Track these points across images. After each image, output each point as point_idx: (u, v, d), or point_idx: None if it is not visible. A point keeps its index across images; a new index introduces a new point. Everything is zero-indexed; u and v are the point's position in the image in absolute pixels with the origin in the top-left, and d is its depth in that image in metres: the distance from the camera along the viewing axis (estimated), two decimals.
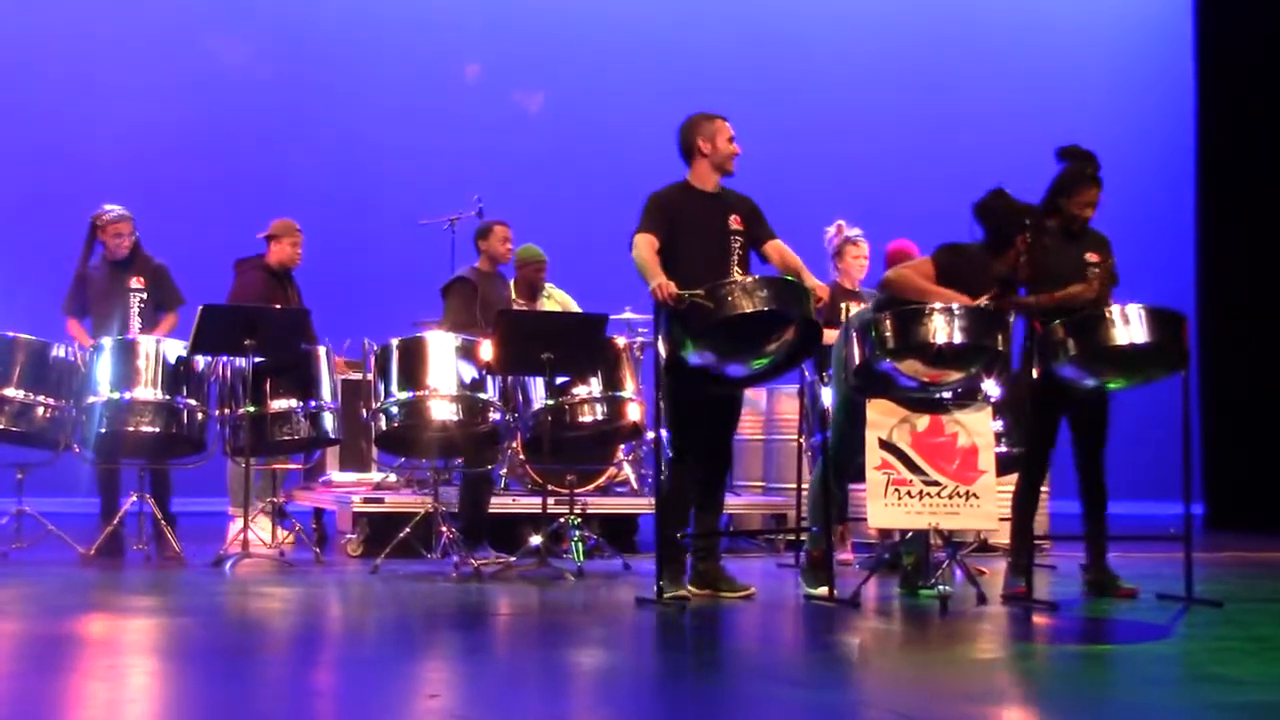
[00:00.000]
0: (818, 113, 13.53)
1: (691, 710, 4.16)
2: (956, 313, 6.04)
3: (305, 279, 8.55)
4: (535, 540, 7.25)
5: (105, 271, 8.14)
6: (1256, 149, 11.96)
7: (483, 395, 7.35)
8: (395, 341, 7.40)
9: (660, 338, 6.05)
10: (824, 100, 13.60)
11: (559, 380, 7.41)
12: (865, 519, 6.49)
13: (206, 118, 12.50)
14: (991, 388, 6.39)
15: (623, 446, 8.44)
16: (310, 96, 12.88)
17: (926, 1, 14.18)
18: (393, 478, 8.58)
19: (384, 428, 7.35)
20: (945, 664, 4.96)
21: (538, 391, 7.45)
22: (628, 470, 8.64)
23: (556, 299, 8.75)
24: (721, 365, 6.18)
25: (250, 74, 12.85)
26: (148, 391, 7.47)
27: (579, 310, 8.60)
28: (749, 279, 6.08)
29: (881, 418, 6.19)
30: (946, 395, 6.30)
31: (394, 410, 7.31)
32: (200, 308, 7.45)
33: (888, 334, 6.10)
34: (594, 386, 7.60)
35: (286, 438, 7.69)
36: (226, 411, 7.60)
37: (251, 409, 7.43)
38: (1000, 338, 6.12)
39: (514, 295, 8.38)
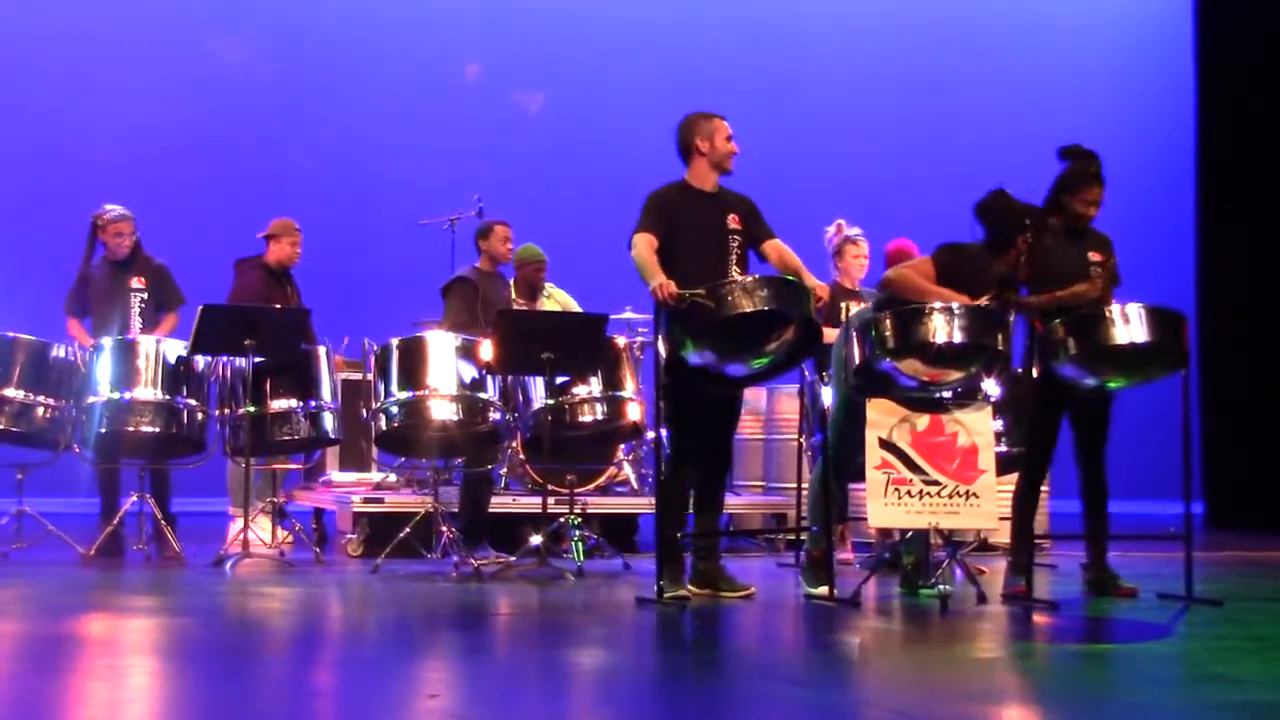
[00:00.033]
0: (818, 113, 13.54)
1: (691, 710, 4.15)
2: (956, 312, 6.03)
3: (305, 279, 8.55)
4: (535, 540, 7.25)
5: (106, 271, 8.14)
6: (1256, 149, 11.96)
7: (483, 395, 7.35)
8: (395, 341, 7.40)
9: (660, 337, 6.05)
10: (824, 100, 13.61)
11: (559, 380, 7.41)
12: (865, 518, 6.49)
13: (206, 118, 12.50)
14: (991, 387, 6.39)
15: (623, 446, 8.44)
16: (310, 96, 12.88)
17: (926, 1, 14.19)
18: (393, 478, 8.58)
19: (384, 427, 7.35)
20: (945, 663, 4.96)
21: (538, 391, 7.45)
22: (628, 470, 8.64)
23: (556, 299, 8.75)
24: (722, 365, 6.18)
25: (250, 74, 12.85)
26: (148, 391, 7.47)
27: (579, 310, 8.60)
28: (749, 278, 6.08)
29: (881, 417, 6.19)
30: (946, 395, 6.30)
31: (394, 410, 7.31)
32: (200, 308, 7.45)
33: (888, 333, 6.10)
34: (594, 386, 7.60)
35: (286, 438, 7.69)
36: (226, 411, 7.59)
37: (251, 409, 7.43)
38: (1000, 337, 6.12)
39: (514, 295, 8.38)
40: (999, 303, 6.19)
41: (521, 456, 8.06)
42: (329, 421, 7.75)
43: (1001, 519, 6.47)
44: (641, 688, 4.53)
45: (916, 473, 6.17)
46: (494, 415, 7.39)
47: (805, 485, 7.23)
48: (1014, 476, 6.64)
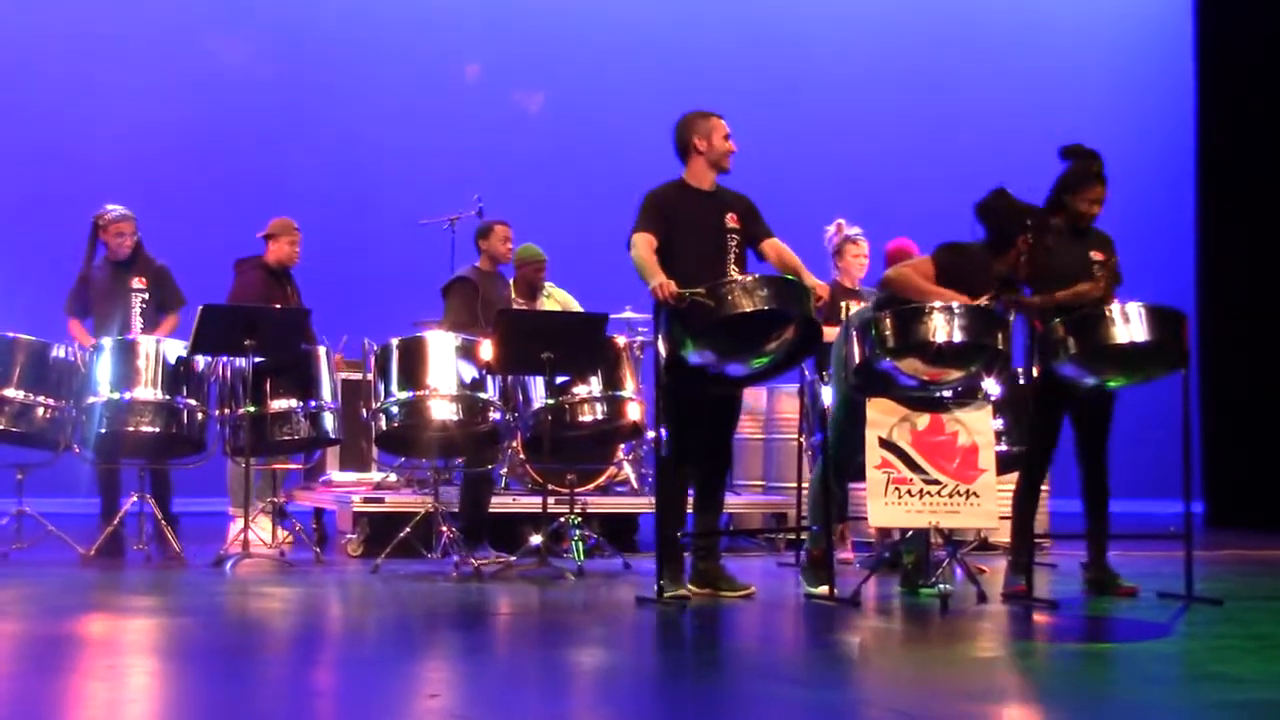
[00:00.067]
0: (818, 113, 13.54)
1: (692, 710, 4.15)
2: (956, 311, 6.03)
3: (305, 279, 8.55)
4: (535, 540, 7.25)
5: (107, 272, 8.14)
6: (1256, 149, 11.96)
7: (483, 395, 7.35)
8: (395, 341, 7.40)
9: (660, 337, 6.05)
10: (824, 100, 13.61)
11: (559, 380, 7.41)
12: (865, 518, 6.49)
13: (206, 118, 12.50)
14: (992, 386, 6.39)
15: (623, 446, 8.44)
16: (310, 96, 12.88)
17: (926, 1, 14.19)
18: (393, 477, 8.58)
19: (384, 427, 7.35)
20: (945, 663, 4.96)
21: (538, 391, 7.45)
22: (628, 470, 8.64)
23: (556, 298, 8.75)
24: (721, 364, 6.18)
25: (250, 74, 12.85)
26: (148, 391, 7.47)
27: (580, 309, 8.60)
28: (749, 278, 6.07)
29: (882, 416, 6.19)
30: (947, 394, 6.30)
31: (394, 410, 7.31)
32: (200, 308, 7.45)
33: (888, 333, 6.10)
34: (594, 386, 7.60)
35: (286, 438, 7.69)
36: (226, 411, 7.59)
37: (251, 409, 7.43)
38: (1000, 336, 6.12)
39: (514, 295, 8.38)
40: (1001, 302, 6.19)
41: (521, 456, 8.06)
42: (329, 421, 7.75)
43: (1002, 518, 6.47)
44: (642, 687, 4.53)
45: (917, 472, 6.17)
46: (494, 415, 7.39)
47: (805, 485, 7.23)
48: (1014, 476, 6.64)
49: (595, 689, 4.51)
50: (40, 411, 7.52)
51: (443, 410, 7.32)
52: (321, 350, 7.78)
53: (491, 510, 7.88)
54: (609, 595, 6.64)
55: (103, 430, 7.46)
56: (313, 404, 7.66)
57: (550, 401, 7.29)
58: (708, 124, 6.39)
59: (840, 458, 6.48)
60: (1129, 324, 6.16)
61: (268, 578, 6.99)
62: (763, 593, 6.48)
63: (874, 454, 6.16)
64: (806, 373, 6.96)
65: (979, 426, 6.25)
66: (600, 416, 7.67)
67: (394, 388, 7.30)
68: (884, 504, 6.16)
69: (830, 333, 6.59)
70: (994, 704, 4.28)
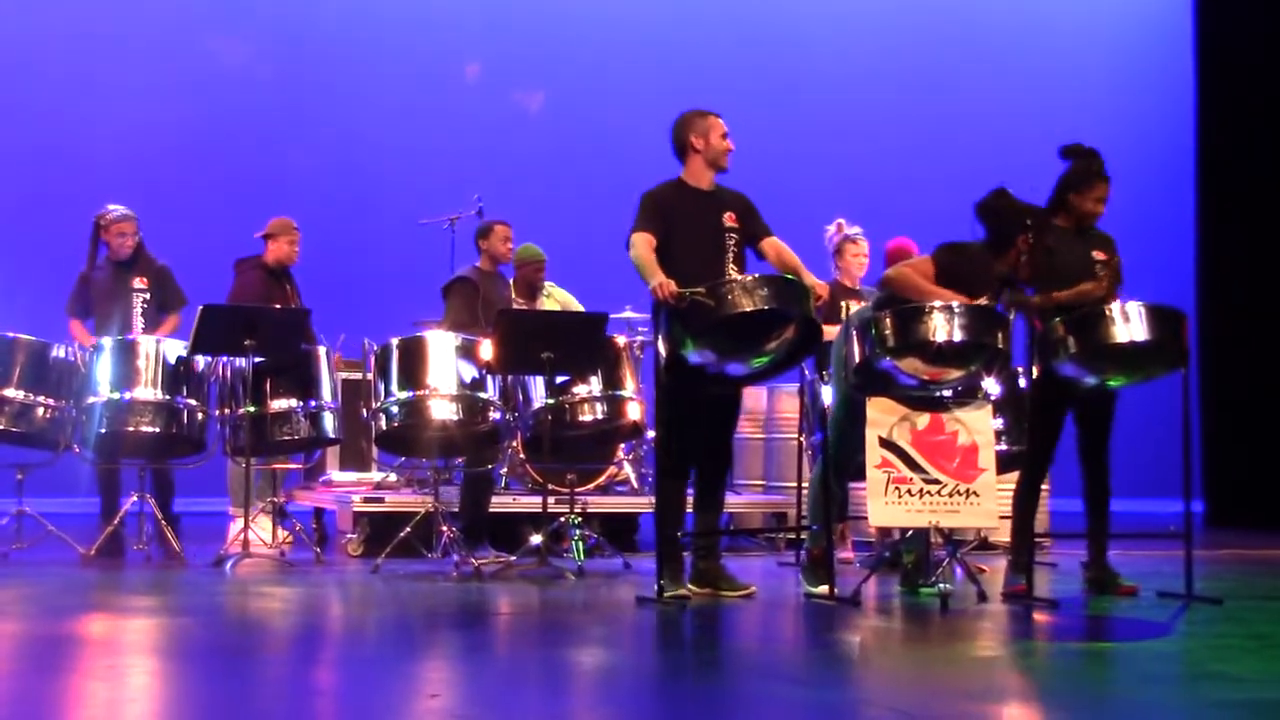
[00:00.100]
0: (818, 113, 13.54)
1: (692, 709, 4.15)
2: (956, 311, 6.03)
3: (305, 279, 8.55)
4: (536, 539, 7.25)
5: (109, 272, 8.14)
6: (1256, 149, 11.97)
7: (483, 395, 7.35)
8: (395, 341, 7.40)
9: (660, 337, 6.05)
10: (824, 100, 13.61)
11: (559, 379, 7.41)
12: (866, 517, 6.49)
13: (206, 118, 12.51)
14: (992, 386, 6.39)
15: (623, 445, 8.44)
16: (310, 96, 12.88)
17: (926, 1, 14.19)
18: (393, 477, 8.58)
19: (384, 427, 7.35)
20: (946, 662, 4.96)
21: (538, 391, 7.45)
22: (628, 469, 8.64)
23: (557, 298, 8.75)
24: (721, 364, 6.18)
25: (250, 74, 12.85)
26: (148, 391, 7.47)
27: (580, 309, 8.60)
28: (749, 278, 6.07)
29: (882, 416, 6.19)
30: (947, 393, 6.30)
31: (394, 410, 7.31)
32: (200, 308, 7.45)
33: (888, 332, 6.10)
34: (594, 385, 7.60)
35: (286, 438, 7.69)
36: (226, 411, 7.59)
37: (251, 409, 7.43)
38: (1000, 335, 6.12)
39: (514, 295, 8.38)
40: (1003, 302, 6.19)
41: (522, 456, 8.06)
42: (329, 421, 7.75)
43: (1002, 518, 6.47)
44: (642, 687, 4.53)
45: (917, 471, 6.17)
46: (494, 415, 7.39)
47: (805, 484, 7.23)
48: (1014, 475, 6.64)
49: (595, 689, 4.51)
50: (40, 411, 7.52)
51: (443, 410, 7.32)
52: (321, 350, 7.78)
53: (492, 510, 7.88)
54: (609, 595, 6.63)
55: (103, 430, 7.46)
56: (313, 404, 7.66)
57: (550, 401, 7.29)
58: (705, 123, 6.39)
59: (840, 457, 6.48)
60: (1129, 323, 6.15)
61: (268, 577, 6.99)
62: (763, 592, 6.48)
63: (874, 453, 6.15)
64: (806, 372, 6.96)
65: (979, 426, 6.25)
66: (600, 416, 7.68)
67: (394, 387, 7.30)
68: (884, 503, 6.16)
69: (830, 332, 6.58)
70: (994, 703, 4.28)
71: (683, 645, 5.48)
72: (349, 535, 8.10)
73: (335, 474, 8.82)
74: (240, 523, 7.57)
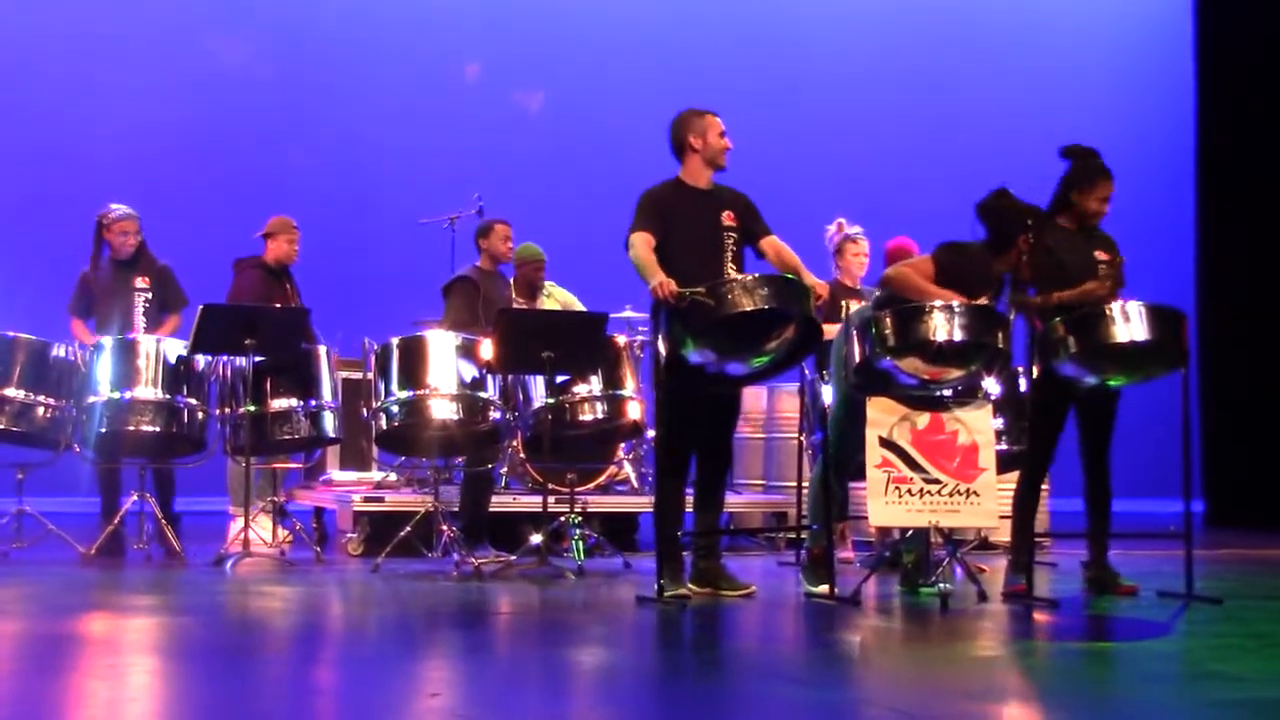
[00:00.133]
0: (818, 113, 13.54)
1: (692, 709, 4.15)
2: (956, 310, 6.03)
3: (305, 278, 8.55)
4: (536, 539, 7.25)
5: (111, 271, 8.14)
6: (1256, 149, 11.97)
7: (483, 394, 7.35)
8: (395, 340, 7.40)
9: (660, 336, 6.04)
10: (824, 100, 13.61)
11: (559, 379, 7.41)
12: (866, 517, 6.49)
13: (206, 118, 12.51)
14: (992, 385, 6.38)
15: (623, 445, 8.44)
16: (310, 96, 12.88)
17: (926, 1, 14.19)
18: (393, 477, 8.58)
19: (384, 427, 7.35)
20: (946, 662, 4.96)
21: (538, 390, 7.45)
22: (628, 469, 8.64)
23: (557, 297, 8.75)
24: (722, 363, 6.17)
25: (250, 74, 12.86)
26: (148, 391, 7.47)
27: (581, 308, 8.61)
28: (749, 277, 6.07)
29: (882, 415, 6.19)
30: (947, 393, 6.29)
31: (394, 409, 7.31)
32: (200, 307, 7.46)
33: (888, 332, 6.10)
34: (594, 385, 7.60)
35: (287, 437, 7.69)
36: (227, 411, 7.59)
37: (252, 408, 7.43)
38: (1000, 335, 6.12)
39: (514, 294, 8.38)
40: (1005, 302, 6.19)
41: (522, 455, 8.06)
42: (329, 421, 7.75)
43: (1002, 517, 6.47)
44: (642, 686, 4.53)
45: (917, 471, 6.17)
46: (494, 414, 7.39)
47: (806, 484, 7.23)
48: (1014, 475, 6.64)
49: (596, 688, 4.51)
50: (40, 411, 7.52)
51: (443, 409, 7.32)
52: (322, 349, 7.78)
53: (492, 509, 7.88)
54: (609, 594, 6.63)
55: (103, 429, 7.46)
56: (313, 403, 7.66)
57: (550, 401, 7.29)
58: (703, 122, 6.38)
59: (840, 457, 6.48)
60: (1129, 323, 6.15)
61: (268, 577, 7.00)
62: (763, 592, 6.48)
63: (874, 453, 6.15)
64: (807, 372, 6.96)
65: (979, 425, 6.25)
66: (600, 416, 7.68)
67: (394, 387, 7.30)
68: (884, 503, 6.16)
69: (830, 330, 6.58)
70: (994, 703, 4.28)
71: (683, 645, 5.48)
72: (349, 535, 8.10)
73: (335, 473, 8.82)
74: (240, 522, 7.57)
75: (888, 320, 6.10)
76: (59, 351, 7.62)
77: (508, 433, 7.56)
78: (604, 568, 7.45)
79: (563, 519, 7.59)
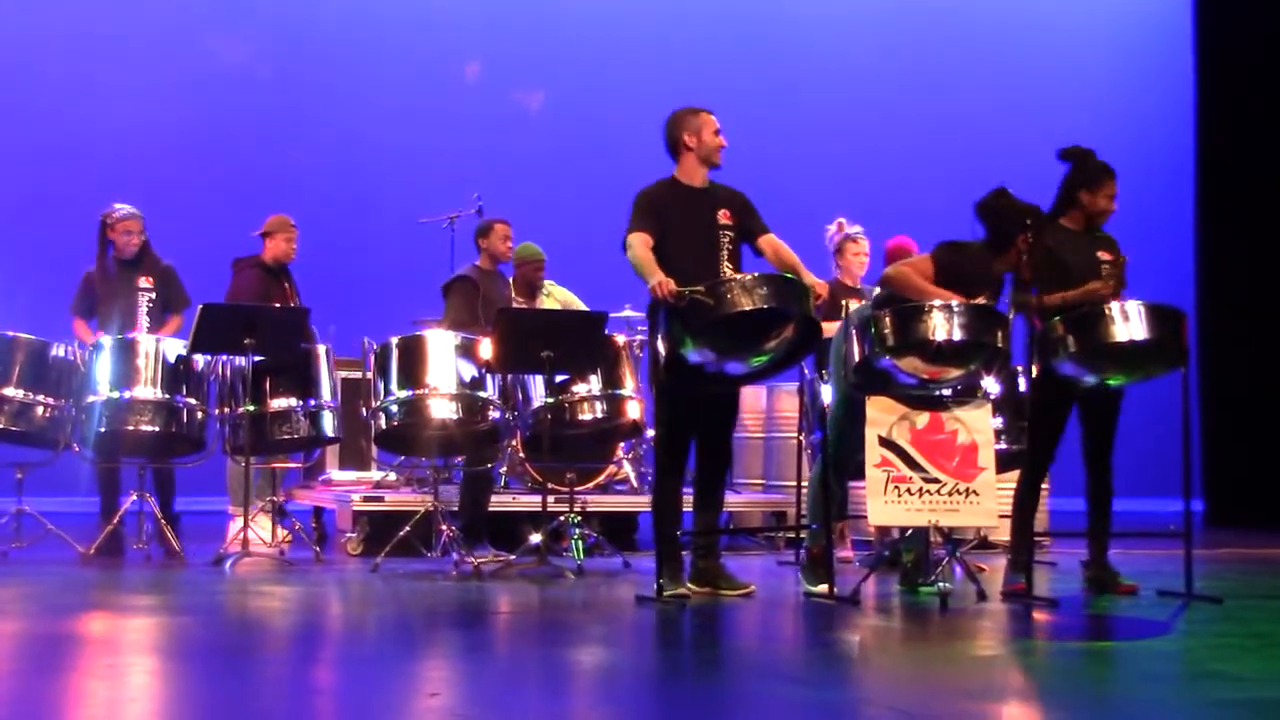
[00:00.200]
0: (818, 113, 13.54)
1: (691, 708, 4.15)
2: (956, 309, 6.03)
3: (305, 278, 8.55)
4: (535, 538, 7.24)
5: (114, 271, 8.13)
6: (1256, 149, 11.97)
7: (482, 393, 7.35)
8: (395, 340, 7.40)
9: (659, 336, 6.04)
10: (824, 100, 13.61)
11: (559, 378, 7.41)
12: (865, 516, 6.49)
13: (206, 118, 12.50)
14: (991, 385, 6.38)
15: (622, 444, 8.44)
16: (310, 96, 12.88)
17: (926, 1, 14.19)
18: (392, 476, 8.58)
19: (384, 426, 7.35)
20: (945, 661, 4.96)
21: (537, 389, 7.45)
22: (627, 468, 8.64)
23: (557, 296, 8.75)
24: (721, 363, 6.17)
25: (250, 74, 12.85)
26: (147, 390, 7.47)
27: (581, 306, 8.61)
28: (749, 276, 6.06)
29: (881, 415, 6.19)
30: (946, 392, 6.29)
31: (394, 409, 7.31)
32: (200, 307, 7.46)
33: (887, 331, 6.10)
34: (594, 384, 7.60)
35: (286, 437, 7.69)
36: (226, 410, 7.59)
37: (251, 408, 7.43)
38: (1000, 334, 6.12)
39: (513, 294, 8.38)
40: (1006, 302, 6.19)
41: (521, 455, 8.06)
42: (329, 420, 7.75)
43: (1001, 516, 6.47)
44: (641, 686, 4.53)
45: (916, 470, 6.17)
46: (494, 414, 7.39)
47: (805, 483, 7.22)
48: (1013, 474, 6.64)
49: (595, 688, 4.51)
50: (40, 410, 7.52)
51: (442, 409, 7.32)
52: (321, 349, 7.78)
53: (491, 509, 7.88)
54: (609, 594, 6.63)
55: (102, 429, 7.47)
56: (312, 403, 7.66)
57: (550, 400, 7.29)
58: (697, 120, 6.37)
59: (840, 456, 6.48)
60: (1129, 322, 6.15)
61: (267, 576, 7.00)
62: (762, 591, 6.48)
63: (873, 452, 6.15)
64: (806, 371, 6.96)
65: (978, 425, 6.25)
66: (600, 415, 7.68)
67: (394, 386, 7.30)
68: (883, 502, 6.15)
69: (830, 328, 6.58)
70: (994, 702, 4.28)
71: (682, 644, 5.48)
72: (348, 534, 8.10)
73: (335, 473, 8.82)
74: (240, 522, 7.57)
75: (887, 320, 6.10)
76: (58, 351, 7.62)
77: (507, 432, 7.56)
78: (603, 567, 7.45)
79: (562, 518, 7.59)
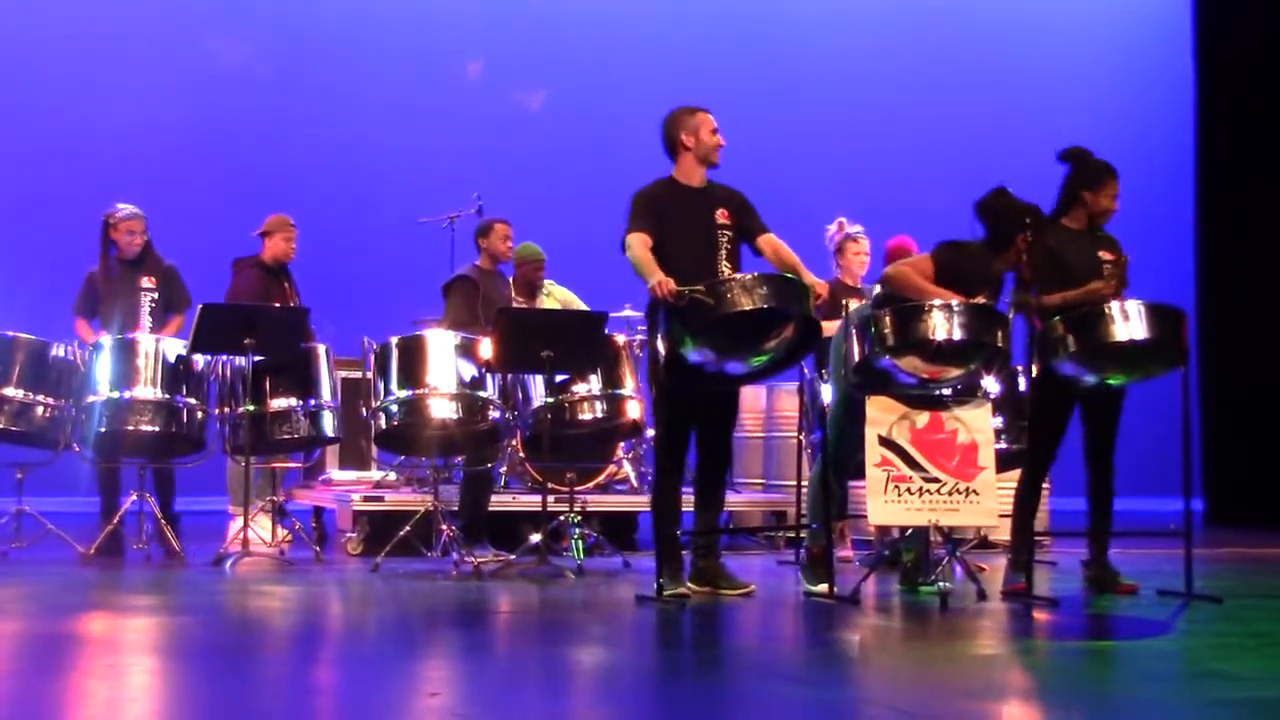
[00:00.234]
0: (818, 113, 13.54)
1: (691, 708, 4.15)
2: (955, 309, 6.03)
3: (305, 278, 8.55)
4: (535, 538, 7.24)
5: (117, 271, 8.13)
6: (1256, 149, 11.97)
7: (482, 393, 7.35)
8: (395, 340, 7.40)
9: (659, 335, 6.04)
10: (824, 100, 13.61)
11: (559, 378, 7.41)
12: (865, 516, 6.49)
13: (206, 118, 12.50)
14: (991, 384, 6.38)
15: (622, 444, 8.44)
16: (310, 96, 12.88)
17: (926, 1, 14.19)
18: (392, 476, 8.58)
19: (384, 426, 7.35)
20: (945, 661, 4.96)
21: (537, 389, 7.45)
22: (627, 468, 8.64)
23: (557, 296, 8.75)
24: (721, 362, 6.16)
25: (250, 74, 12.86)
26: (147, 390, 7.47)
27: (582, 306, 8.61)
28: (748, 276, 6.05)
29: (881, 414, 6.19)
30: (946, 392, 6.29)
31: (394, 408, 7.31)
32: (199, 306, 7.46)
33: (887, 330, 6.10)
34: (594, 384, 7.61)
35: (286, 436, 7.69)
36: (226, 410, 7.59)
37: (251, 408, 7.43)
38: (1000, 334, 6.12)
39: (513, 293, 8.38)
40: (1006, 302, 6.20)
41: (521, 454, 8.06)
42: (329, 420, 7.75)
43: (1001, 516, 6.47)
44: (641, 686, 4.53)
45: (916, 470, 6.17)
46: (494, 413, 7.39)
47: (805, 483, 7.22)
48: (1014, 474, 6.63)
49: (595, 687, 4.51)
50: (40, 410, 7.52)
51: (442, 409, 7.32)
52: (321, 349, 7.78)
53: (491, 509, 7.88)
54: (609, 594, 6.63)
55: (102, 429, 7.47)
56: (312, 403, 7.66)
57: (550, 400, 7.29)
58: (695, 119, 6.37)
59: (840, 455, 6.48)
60: (1129, 321, 6.15)
61: (267, 576, 7.00)
62: (762, 591, 6.48)
63: (873, 452, 6.15)
64: (806, 370, 6.96)
65: (978, 424, 6.25)
66: (600, 415, 7.68)
67: (394, 386, 7.30)
68: (884, 502, 6.15)
69: (830, 326, 6.58)
70: (994, 702, 4.28)
71: (682, 644, 5.48)
72: (348, 534, 8.10)
73: (335, 473, 8.82)
74: (240, 521, 7.57)
75: (887, 319, 6.10)
76: (58, 351, 7.61)
77: (507, 432, 7.56)
78: (603, 567, 7.45)
79: (562, 518, 7.59)
